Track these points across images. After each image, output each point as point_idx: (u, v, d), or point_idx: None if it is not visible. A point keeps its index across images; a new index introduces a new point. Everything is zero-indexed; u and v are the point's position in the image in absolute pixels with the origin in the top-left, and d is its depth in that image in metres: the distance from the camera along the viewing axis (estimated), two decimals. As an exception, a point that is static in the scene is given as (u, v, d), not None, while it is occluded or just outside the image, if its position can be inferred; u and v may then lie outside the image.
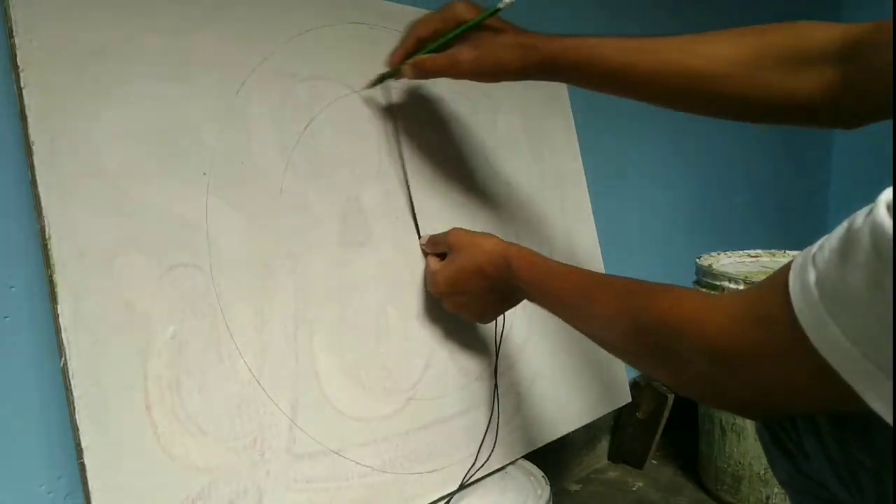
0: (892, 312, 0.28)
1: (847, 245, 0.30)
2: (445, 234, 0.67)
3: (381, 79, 0.66)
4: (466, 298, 0.63)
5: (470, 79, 0.60)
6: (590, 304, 0.53)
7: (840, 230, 0.32)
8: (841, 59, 0.50)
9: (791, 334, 0.32)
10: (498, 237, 0.62)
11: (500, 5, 0.54)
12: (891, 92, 0.47)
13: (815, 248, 0.33)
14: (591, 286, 0.54)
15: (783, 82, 0.52)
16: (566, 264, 0.58)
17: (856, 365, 0.30)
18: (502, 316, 0.70)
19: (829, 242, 0.32)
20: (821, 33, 0.51)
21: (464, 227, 0.68)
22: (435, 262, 0.66)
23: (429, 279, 0.66)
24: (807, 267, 0.33)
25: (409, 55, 0.62)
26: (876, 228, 0.29)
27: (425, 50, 0.61)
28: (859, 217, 0.30)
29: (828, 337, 0.31)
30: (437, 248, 0.67)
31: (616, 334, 0.51)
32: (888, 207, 0.29)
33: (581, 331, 0.55)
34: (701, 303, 0.42)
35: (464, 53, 0.57)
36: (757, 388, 0.41)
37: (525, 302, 0.63)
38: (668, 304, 0.44)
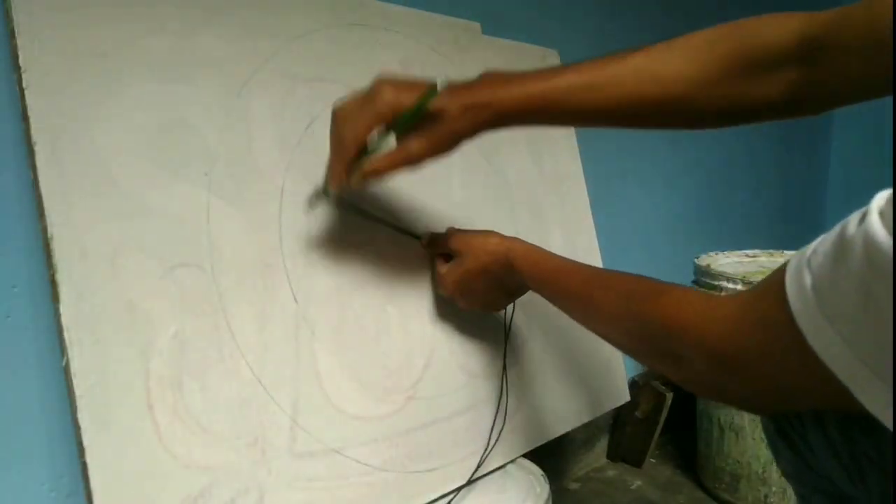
0: (893, 321, 0.28)
1: (840, 251, 0.30)
2: (445, 235, 0.67)
3: (325, 194, 0.58)
4: (476, 297, 0.67)
5: (426, 163, 0.54)
6: (592, 303, 0.54)
7: (833, 234, 0.32)
8: (800, 60, 0.48)
9: (790, 336, 0.32)
10: (499, 234, 0.64)
11: (438, 83, 0.46)
12: (858, 82, 0.46)
13: (809, 250, 0.33)
14: (594, 286, 0.54)
15: (740, 93, 0.50)
16: (568, 260, 0.59)
17: (852, 368, 0.30)
18: (510, 314, 0.74)
19: (822, 246, 0.32)
20: (776, 33, 0.49)
21: (464, 227, 0.69)
22: (442, 266, 0.67)
23: (438, 283, 0.68)
24: (802, 270, 0.33)
25: (353, 162, 0.54)
26: (868, 238, 0.28)
27: (368, 152, 0.53)
28: (852, 223, 0.30)
29: (824, 340, 0.31)
30: (438, 248, 0.67)
31: (619, 334, 0.52)
32: (881, 214, 0.28)
33: (585, 326, 0.56)
34: (701, 306, 0.43)
35: (414, 144, 0.52)
36: (758, 387, 0.41)
37: (524, 303, 0.64)
38: (668, 307, 0.44)
